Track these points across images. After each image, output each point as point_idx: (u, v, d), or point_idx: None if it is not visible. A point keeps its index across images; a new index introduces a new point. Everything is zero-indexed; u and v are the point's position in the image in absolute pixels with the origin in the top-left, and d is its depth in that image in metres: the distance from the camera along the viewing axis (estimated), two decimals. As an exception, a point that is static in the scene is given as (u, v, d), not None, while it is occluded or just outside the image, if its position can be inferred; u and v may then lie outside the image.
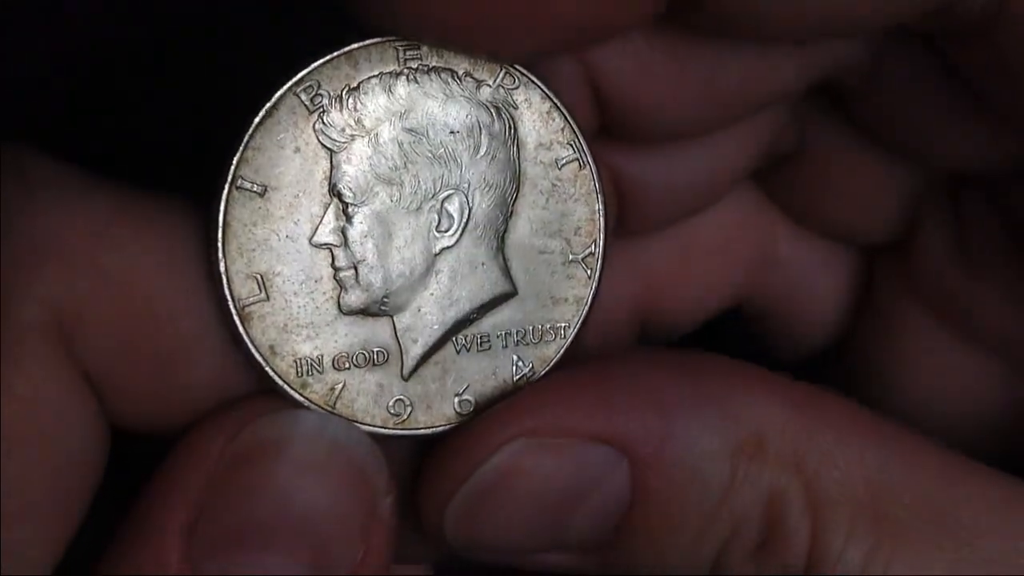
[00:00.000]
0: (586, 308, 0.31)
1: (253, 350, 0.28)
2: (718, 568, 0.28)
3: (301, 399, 0.29)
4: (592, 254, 0.31)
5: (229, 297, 0.28)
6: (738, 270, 0.39)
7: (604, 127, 0.32)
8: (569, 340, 0.31)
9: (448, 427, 0.30)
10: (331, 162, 0.29)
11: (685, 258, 0.38)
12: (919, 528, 0.27)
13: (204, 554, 0.26)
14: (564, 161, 0.30)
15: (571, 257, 0.31)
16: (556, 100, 0.30)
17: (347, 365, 0.29)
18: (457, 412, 0.30)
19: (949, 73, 0.31)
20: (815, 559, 0.28)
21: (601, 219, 0.31)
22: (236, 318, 0.28)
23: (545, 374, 0.31)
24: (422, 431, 0.30)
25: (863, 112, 0.35)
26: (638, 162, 0.34)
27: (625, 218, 0.35)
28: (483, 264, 0.30)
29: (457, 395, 0.30)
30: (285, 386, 0.29)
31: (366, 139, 0.29)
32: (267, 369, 0.29)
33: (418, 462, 0.30)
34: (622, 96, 0.31)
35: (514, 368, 0.30)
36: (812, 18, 0.28)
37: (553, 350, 0.30)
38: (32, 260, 0.26)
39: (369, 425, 0.29)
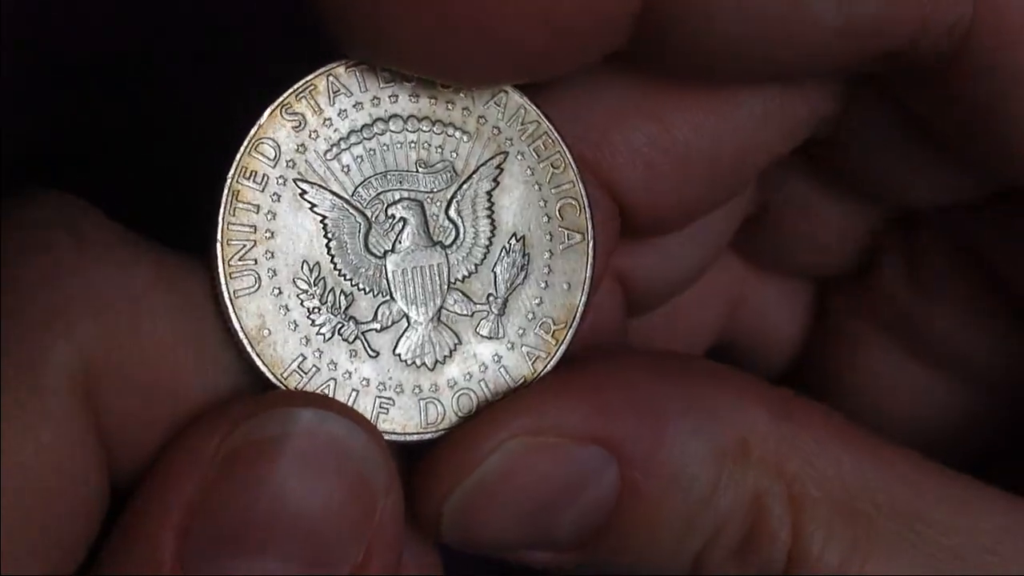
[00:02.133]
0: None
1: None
2: (699, 567, 0.29)
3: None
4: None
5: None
6: (712, 320, 0.41)
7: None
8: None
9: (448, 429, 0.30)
10: None
11: (668, 321, 0.40)
12: (892, 527, 0.29)
13: (198, 556, 0.26)
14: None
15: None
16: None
17: None
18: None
19: (909, 116, 0.32)
20: (795, 558, 0.29)
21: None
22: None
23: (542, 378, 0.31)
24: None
25: (826, 162, 0.36)
26: (641, 259, 0.36)
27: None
28: None
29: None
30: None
31: None
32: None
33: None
34: (636, 204, 0.33)
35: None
36: (761, 59, 0.29)
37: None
38: (72, 311, 0.27)
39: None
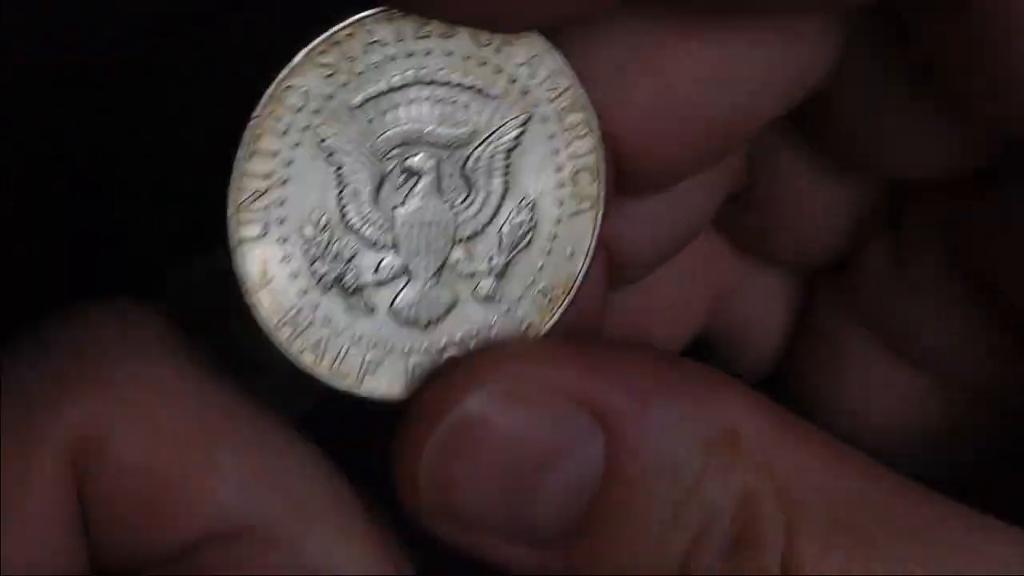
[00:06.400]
0: None
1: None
2: (687, 570, 0.28)
3: None
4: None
5: None
6: (696, 307, 0.40)
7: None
8: None
9: None
10: None
11: (647, 306, 0.38)
12: (895, 543, 0.27)
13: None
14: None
15: None
16: None
17: None
18: None
19: (914, 72, 0.31)
20: (790, 564, 0.27)
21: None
22: None
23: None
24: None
25: (816, 128, 0.35)
26: (623, 225, 0.34)
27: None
28: None
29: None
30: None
31: None
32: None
33: None
34: (630, 162, 0.31)
35: None
36: None
37: None
38: (77, 385, 0.27)
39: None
